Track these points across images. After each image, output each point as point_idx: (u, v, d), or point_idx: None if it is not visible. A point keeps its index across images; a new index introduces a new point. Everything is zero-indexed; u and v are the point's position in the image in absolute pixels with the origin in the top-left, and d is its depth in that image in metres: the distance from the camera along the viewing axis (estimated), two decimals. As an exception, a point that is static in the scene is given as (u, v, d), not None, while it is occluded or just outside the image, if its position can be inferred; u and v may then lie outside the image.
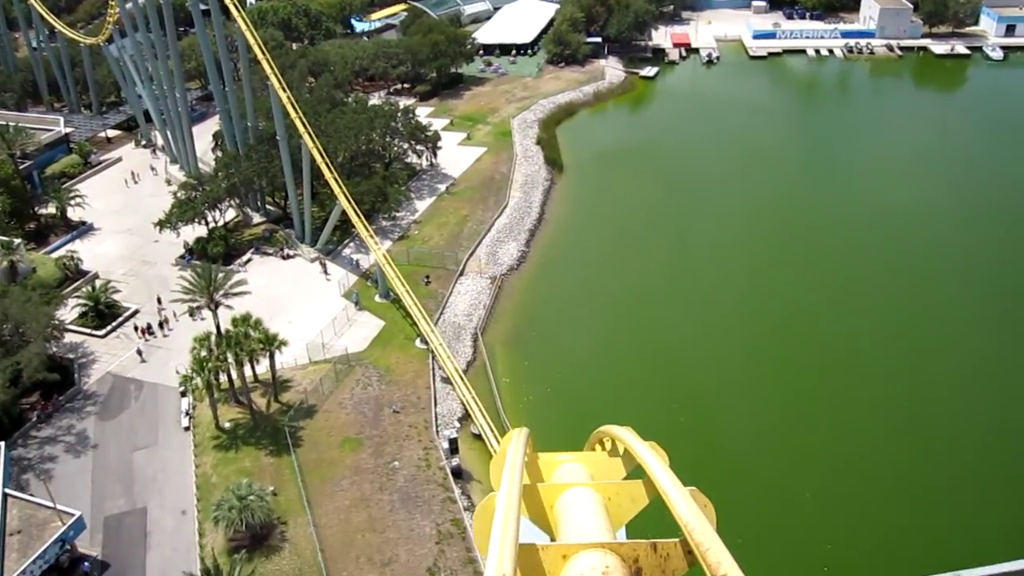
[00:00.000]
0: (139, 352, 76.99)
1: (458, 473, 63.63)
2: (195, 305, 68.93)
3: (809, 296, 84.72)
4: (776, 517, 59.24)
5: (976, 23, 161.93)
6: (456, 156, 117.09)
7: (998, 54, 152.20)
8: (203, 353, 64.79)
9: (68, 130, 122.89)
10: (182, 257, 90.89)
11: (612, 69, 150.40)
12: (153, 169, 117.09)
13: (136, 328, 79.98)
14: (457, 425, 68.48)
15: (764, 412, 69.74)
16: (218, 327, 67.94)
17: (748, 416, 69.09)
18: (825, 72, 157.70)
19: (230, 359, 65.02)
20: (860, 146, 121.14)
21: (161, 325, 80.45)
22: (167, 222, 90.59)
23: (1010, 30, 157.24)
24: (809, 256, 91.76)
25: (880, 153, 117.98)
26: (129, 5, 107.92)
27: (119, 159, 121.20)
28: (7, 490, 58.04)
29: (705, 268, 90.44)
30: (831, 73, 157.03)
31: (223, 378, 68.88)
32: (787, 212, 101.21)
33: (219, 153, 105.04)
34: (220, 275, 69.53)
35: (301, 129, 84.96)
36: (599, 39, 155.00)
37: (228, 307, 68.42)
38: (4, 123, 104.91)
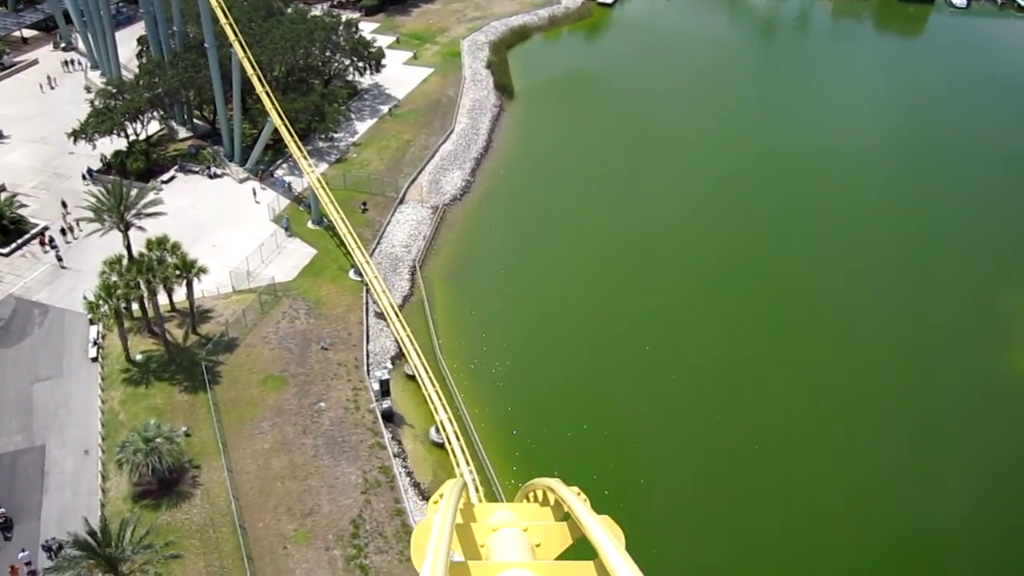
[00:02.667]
0: (59, 259, 71.35)
1: (389, 416, 59.50)
2: (103, 225, 62.31)
3: (759, 233, 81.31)
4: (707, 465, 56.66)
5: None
6: (401, 76, 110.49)
7: (961, 2, 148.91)
8: (113, 278, 59.10)
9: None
10: (90, 172, 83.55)
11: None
12: (78, 64, 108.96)
13: (41, 239, 73.96)
14: (390, 365, 64.12)
15: (707, 343, 67.49)
16: (129, 250, 61.91)
17: (691, 356, 66.17)
18: (786, 9, 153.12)
19: (142, 286, 59.28)
20: (816, 86, 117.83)
21: (64, 232, 74.25)
22: (82, 132, 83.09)
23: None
24: (761, 196, 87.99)
25: (835, 94, 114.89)
26: None
27: (35, 61, 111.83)
28: None
29: (656, 205, 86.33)
30: (792, 11, 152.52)
31: (136, 306, 63.51)
32: (740, 150, 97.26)
33: (144, 60, 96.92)
34: (132, 192, 62.92)
35: (232, 37, 78.03)
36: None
37: (140, 228, 62.23)
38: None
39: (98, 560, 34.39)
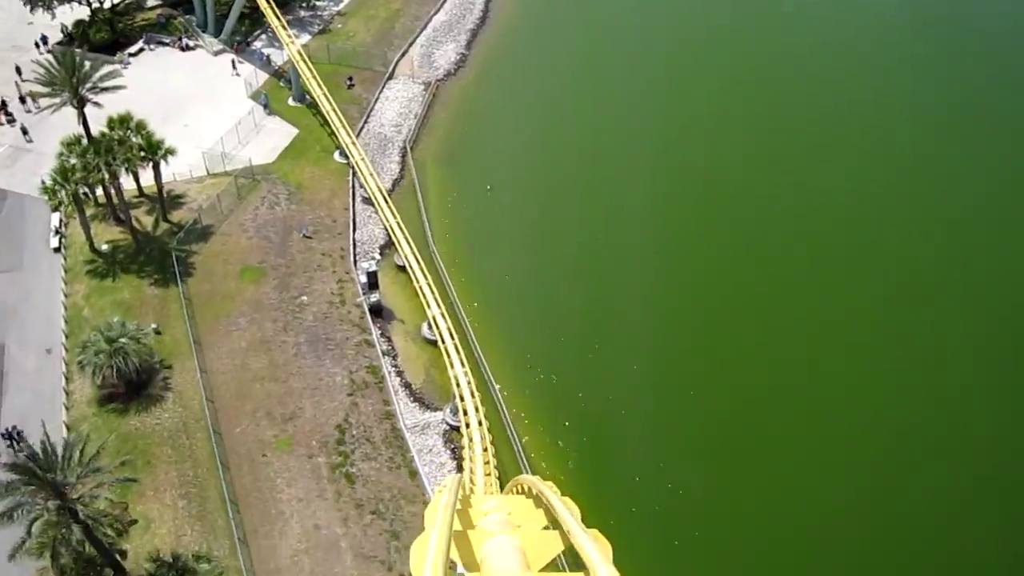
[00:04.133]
0: (24, 131, 65.83)
1: (377, 311, 54.98)
2: (57, 99, 55.97)
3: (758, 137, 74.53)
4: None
5: None
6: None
7: None
8: (72, 161, 53.46)
9: None
10: (44, 40, 76.34)
11: None
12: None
13: None
14: (378, 255, 59.29)
15: (710, 229, 62.91)
16: (87, 129, 55.92)
17: (691, 244, 61.61)
18: None
19: (102, 169, 53.57)
20: None
21: (23, 101, 68.26)
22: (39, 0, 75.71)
23: None
24: (772, 100, 79.78)
25: None
26: None
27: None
28: None
29: (662, 76, 79.26)
30: None
31: (100, 191, 58.12)
32: (755, 39, 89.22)
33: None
34: (87, 64, 56.31)
35: None
36: None
37: (97, 104, 55.94)
38: None
39: (40, 486, 30.35)
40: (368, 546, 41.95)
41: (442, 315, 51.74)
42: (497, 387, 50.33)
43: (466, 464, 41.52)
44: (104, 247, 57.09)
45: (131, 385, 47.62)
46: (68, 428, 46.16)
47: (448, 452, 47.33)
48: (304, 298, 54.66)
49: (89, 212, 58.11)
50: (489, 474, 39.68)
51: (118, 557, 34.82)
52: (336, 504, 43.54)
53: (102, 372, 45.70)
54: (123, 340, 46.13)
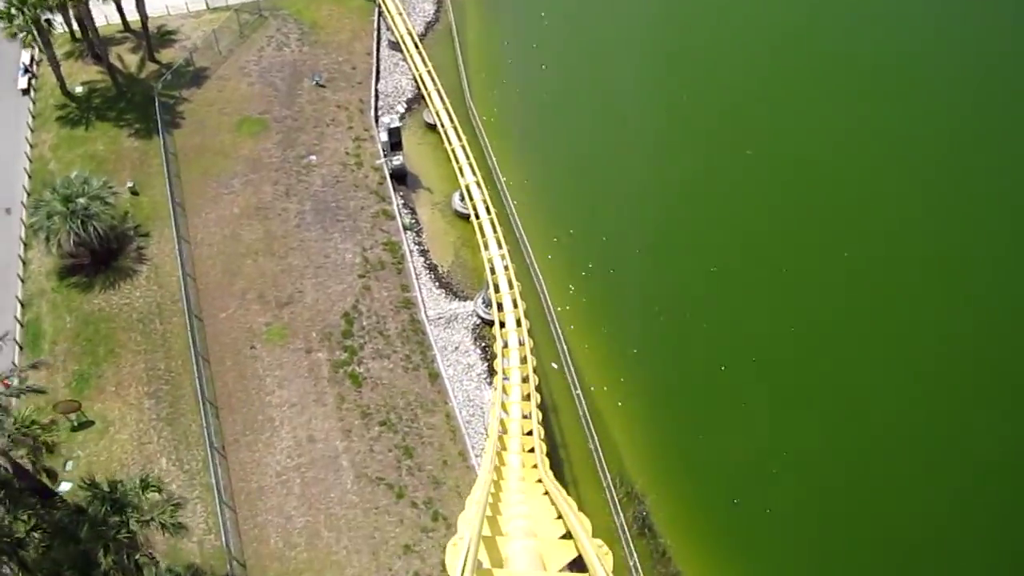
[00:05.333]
0: None
1: (400, 176, 45.87)
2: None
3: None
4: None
5: None
6: None
7: None
8: (36, -20, 43.95)
9: None
10: None
11: None
12: None
13: None
14: (403, 110, 49.56)
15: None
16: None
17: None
18: None
19: (69, -9, 44.06)
20: None
21: None
22: None
23: None
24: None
25: None
26: None
27: None
28: None
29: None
30: None
31: (75, 23, 48.77)
32: None
33: None
34: None
35: None
36: None
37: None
38: None
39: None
40: (374, 465, 33.92)
41: (478, 184, 42.44)
42: (541, 277, 41.19)
43: (497, 381, 32.71)
44: (79, 89, 48.17)
45: (97, 255, 39.32)
46: (22, 304, 38.31)
47: (478, 351, 38.77)
48: (312, 158, 45.40)
49: (65, 49, 49.13)
50: (528, 397, 31.09)
51: (45, 479, 27.10)
52: (337, 411, 35.38)
53: (57, 239, 37.37)
54: (83, 200, 37.49)
